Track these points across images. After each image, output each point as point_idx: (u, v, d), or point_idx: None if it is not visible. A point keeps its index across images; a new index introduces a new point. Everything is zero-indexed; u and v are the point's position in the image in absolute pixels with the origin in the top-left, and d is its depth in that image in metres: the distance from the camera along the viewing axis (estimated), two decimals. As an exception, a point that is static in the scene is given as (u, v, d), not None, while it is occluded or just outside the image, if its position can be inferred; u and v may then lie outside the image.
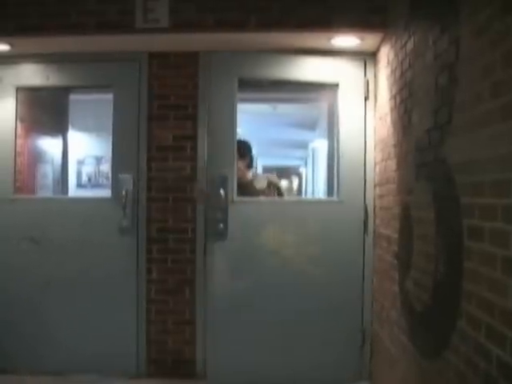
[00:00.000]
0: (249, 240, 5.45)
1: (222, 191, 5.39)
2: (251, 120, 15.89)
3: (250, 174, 6.41)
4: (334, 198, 5.62)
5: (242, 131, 18.00)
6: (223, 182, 5.41)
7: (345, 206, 5.46)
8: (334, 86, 5.53)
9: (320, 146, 12.73)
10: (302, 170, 23.63)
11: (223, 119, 5.48)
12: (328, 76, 5.50)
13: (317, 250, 5.38)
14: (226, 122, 5.48)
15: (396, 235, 4.37)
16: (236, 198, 5.47)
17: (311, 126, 12.76)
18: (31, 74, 5.79)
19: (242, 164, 6.06)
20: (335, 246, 5.38)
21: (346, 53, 5.32)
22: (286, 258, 5.38)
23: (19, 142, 6.05)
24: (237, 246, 5.43)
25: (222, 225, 5.42)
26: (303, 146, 17.41)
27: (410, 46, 3.97)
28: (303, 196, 18.22)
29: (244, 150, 6.19)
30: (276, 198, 6.25)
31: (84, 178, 11.10)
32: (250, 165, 6.41)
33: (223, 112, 5.49)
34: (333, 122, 7.76)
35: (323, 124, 10.33)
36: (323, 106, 9.03)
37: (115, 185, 5.60)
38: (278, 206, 5.87)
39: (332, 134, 8.17)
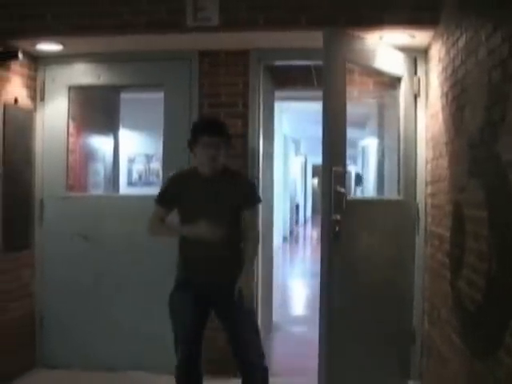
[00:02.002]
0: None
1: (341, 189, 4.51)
2: (300, 118, 15.90)
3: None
4: (400, 196, 5.41)
5: (290, 129, 18.02)
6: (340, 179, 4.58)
7: (404, 204, 5.38)
8: (397, 80, 5.38)
9: (370, 144, 12.67)
10: (352, 168, 23.54)
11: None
12: (396, 68, 5.29)
13: (389, 251, 5.16)
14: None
15: (448, 233, 4.33)
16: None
17: (361, 124, 12.71)
18: (83, 74, 5.88)
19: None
20: (397, 246, 5.28)
21: (397, 49, 5.25)
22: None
23: (71, 140, 6.15)
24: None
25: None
26: (353, 144, 17.34)
27: (461, 42, 3.93)
28: (352, 194, 18.13)
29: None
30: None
31: (134, 176, 11.20)
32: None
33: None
34: (383, 120, 7.71)
35: (373, 122, 10.29)
36: (373, 103, 8.98)
37: (166, 183, 5.64)
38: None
39: (382, 132, 8.12)
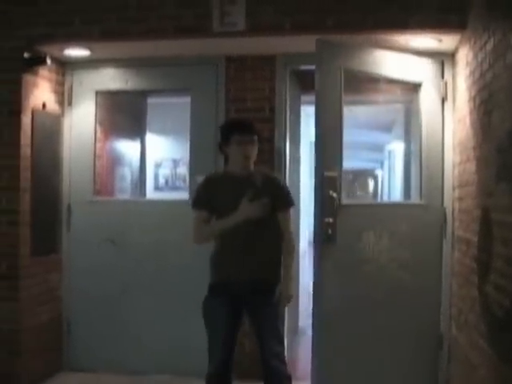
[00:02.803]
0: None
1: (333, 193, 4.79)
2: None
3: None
4: (422, 201, 5.38)
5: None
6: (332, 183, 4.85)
7: (427, 208, 5.33)
8: (417, 86, 5.40)
9: (396, 148, 12.64)
10: (378, 172, 23.47)
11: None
12: (412, 74, 5.29)
13: (406, 255, 5.12)
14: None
15: (476, 238, 4.30)
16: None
17: (387, 128, 12.67)
18: (110, 79, 5.92)
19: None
20: (418, 250, 5.22)
21: (424, 53, 5.23)
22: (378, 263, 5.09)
23: (98, 145, 6.19)
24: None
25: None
26: (379, 148, 17.30)
27: (489, 46, 3.90)
28: (379, 199, 18.09)
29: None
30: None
31: (161, 181, 11.22)
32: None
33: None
34: (410, 124, 7.68)
35: (399, 126, 10.26)
36: (399, 107, 8.96)
37: (192, 187, 5.62)
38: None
39: (409, 136, 8.09)
